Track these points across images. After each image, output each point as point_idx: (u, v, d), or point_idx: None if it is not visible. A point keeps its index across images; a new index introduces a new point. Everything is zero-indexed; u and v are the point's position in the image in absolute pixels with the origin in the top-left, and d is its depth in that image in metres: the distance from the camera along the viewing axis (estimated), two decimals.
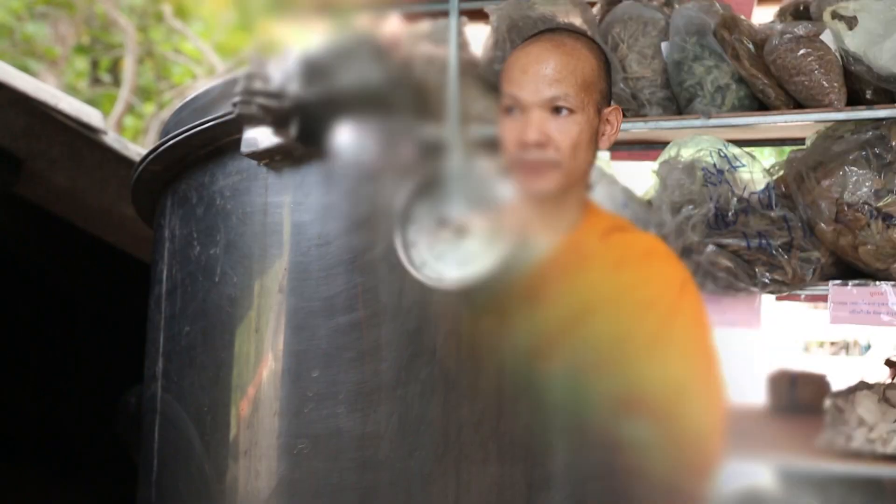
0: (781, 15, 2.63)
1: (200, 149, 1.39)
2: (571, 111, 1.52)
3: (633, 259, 1.54)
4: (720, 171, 2.26)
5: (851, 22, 2.08)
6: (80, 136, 2.35)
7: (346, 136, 1.33)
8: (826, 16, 2.12)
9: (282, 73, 1.29)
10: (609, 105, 1.61)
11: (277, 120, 1.26)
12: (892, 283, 2.12)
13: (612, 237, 1.58)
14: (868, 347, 6.76)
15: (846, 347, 6.91)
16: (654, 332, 1.48)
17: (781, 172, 2.31)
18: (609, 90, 1.61)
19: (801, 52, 2.11)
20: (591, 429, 1.33)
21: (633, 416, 1.36)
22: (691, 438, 1.44)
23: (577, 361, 1.33)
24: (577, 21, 2.40)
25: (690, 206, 2.26)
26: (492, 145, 1.55)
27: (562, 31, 1.64)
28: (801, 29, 2.15)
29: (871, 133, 2.13)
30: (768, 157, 4.33)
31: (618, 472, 1.39)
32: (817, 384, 2.78)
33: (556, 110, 1.52)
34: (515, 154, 1.54)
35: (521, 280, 1.56)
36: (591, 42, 1.61)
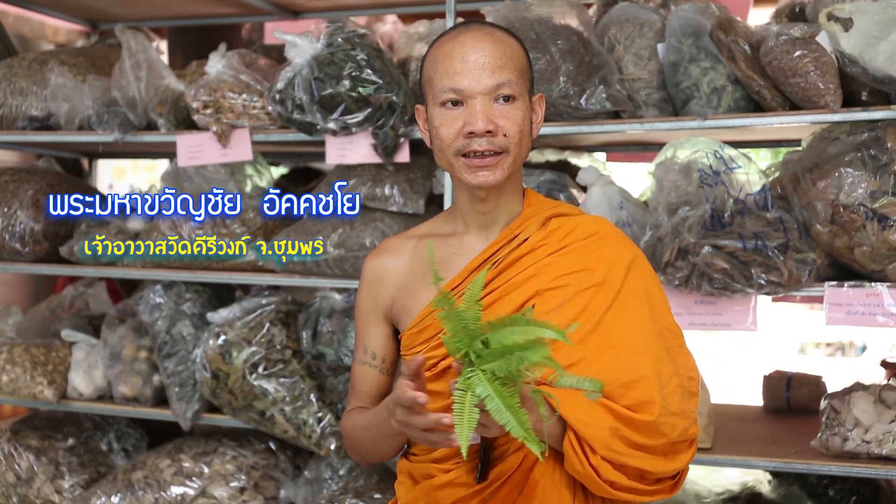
0: (777, 16, 2.64)
1: None
2: (514, 98, 1.51)
3: (576, 243, 1.56)
4: (716, 173, 2.26)
5: (847, 24, 2.08)
6: None
7: None
8: (822, 17, 2.12)
9: None
10: (533, 94, 1.60)
11: None
12: (888, 284, 2.12)
13: (553, 223, 1.59)
14: (864, 349, 6.77)
15: (842, 348, 6.92)
16: (603, 312, 1.50)
17: (777, 174, 2.31)
18: (532, 79, 1.61)
19: (797, 53, 2.11)
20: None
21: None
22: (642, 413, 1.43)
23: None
24: (573, 22, 2.40)
25: (687, 208, 2.26)
26: None
27: (481, 22, 1.62)
28: (796, 31, 2.15)
29: (866, 135, 2.14)
30: (764, 158, 4.34)
31: None
32: (813, 385, 2.78)
33: (503, 98, 1.50)
34: (461, 144, 1.50)
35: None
36: (511, 32, 1.60)
